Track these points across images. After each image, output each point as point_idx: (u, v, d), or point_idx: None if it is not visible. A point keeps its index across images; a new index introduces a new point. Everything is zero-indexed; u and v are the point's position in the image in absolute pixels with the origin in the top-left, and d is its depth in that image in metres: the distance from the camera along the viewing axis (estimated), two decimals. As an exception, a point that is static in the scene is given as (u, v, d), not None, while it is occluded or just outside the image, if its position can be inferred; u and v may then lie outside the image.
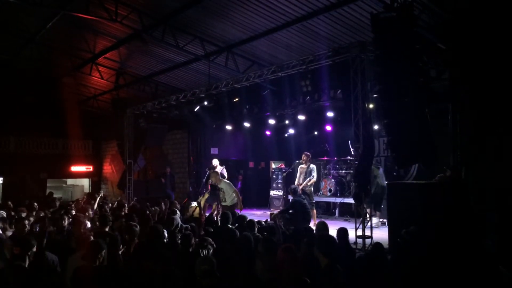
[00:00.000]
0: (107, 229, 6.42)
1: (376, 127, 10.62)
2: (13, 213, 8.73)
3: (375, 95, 8.94)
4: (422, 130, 6.52)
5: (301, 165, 11.01)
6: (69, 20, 10.98)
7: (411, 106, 6.57)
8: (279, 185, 13.88)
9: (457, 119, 8.21)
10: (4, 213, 8.13)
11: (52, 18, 11.05)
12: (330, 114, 11.70)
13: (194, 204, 9.85)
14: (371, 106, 8.64)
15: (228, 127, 14.29)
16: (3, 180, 18.66)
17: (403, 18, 6.56)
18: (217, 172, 10.53)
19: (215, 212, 9.72)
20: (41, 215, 8.15)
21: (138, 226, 5.97)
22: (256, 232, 6.31)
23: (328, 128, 13.02)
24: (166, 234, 6.11)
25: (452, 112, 8.32)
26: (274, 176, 14.28)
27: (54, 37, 12.64)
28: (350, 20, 8.69)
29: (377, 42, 6.92)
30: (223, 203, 10.00)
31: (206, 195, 10.26)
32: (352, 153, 10.34)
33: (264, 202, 14.57)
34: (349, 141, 11.22)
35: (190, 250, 5.27)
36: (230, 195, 9.78)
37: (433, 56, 8.57)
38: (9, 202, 10.93)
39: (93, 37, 12.36)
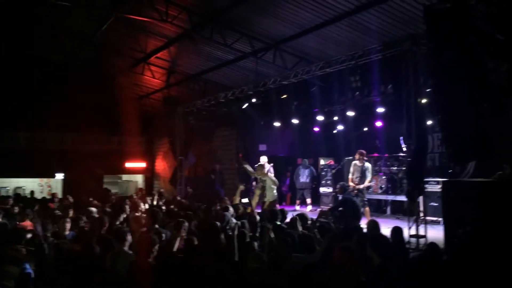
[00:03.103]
0: (156, 226, 6.65)
1: (429, 122, 10.27)
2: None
3: (428, 90, 8.63)
4: (479, 125, 6.24)
5: (355, 162, 10.82)
6: (122, 21, 11.38)
7: (467, 100, 6.31)
8: (328, 182, 13.74)
9: (517, 113, 7.77)
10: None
11: (107, 20, 11.50)
12: (380, 109, 11.42)
13: (245, 200, 10.07)
14: (424, 101, 8.36)
15: (276, 124, 14.29)
16: (64, 176, 19.66)
17: (458, 9, 6.30)
18: (262, 166, 10.75)
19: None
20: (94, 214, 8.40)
21: (186, 222, 6.13)
22: (302, 229, 6.28)
23: (379, 124, 12.69)
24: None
25: (513, 105, 7.88)
26: (323, 173, 14.16)
27: (108, 38, 13.13)
28: (401, 13, 8.42)
29: (430, 35, 6.70)
30: (264, 199, 10.22)
31: (241, 187, 10.59)
32: (404, 149, 10.06)
33: (313, 199, 14.47)
34: (401, 137, 10.92)
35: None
36: (271, 190, 10.06)
37: (491, 47, 8.15)
38: (69, 196, 11.54)
39: (145, 38, 12.74)
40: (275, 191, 10.68)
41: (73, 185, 18.19)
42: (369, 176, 10.50)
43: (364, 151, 10.83)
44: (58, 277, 4.23)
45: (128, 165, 21.27)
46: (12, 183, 19.63)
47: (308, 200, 14.09)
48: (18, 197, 12.48)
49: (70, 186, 18.30)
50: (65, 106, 17.86)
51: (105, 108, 18.34)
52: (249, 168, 11.38)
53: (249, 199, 10.39)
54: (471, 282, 4.33)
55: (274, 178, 10.82)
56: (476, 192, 7.00)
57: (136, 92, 18.57)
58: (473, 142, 6.30)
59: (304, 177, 14.20)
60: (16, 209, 8.78)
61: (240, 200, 10.72)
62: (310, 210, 13.34)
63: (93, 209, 8.53)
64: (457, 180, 9.59)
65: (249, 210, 9.15)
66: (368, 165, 10.64)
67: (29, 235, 5.69)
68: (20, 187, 19.35)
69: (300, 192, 14.36)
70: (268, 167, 11.97)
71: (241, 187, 10.82)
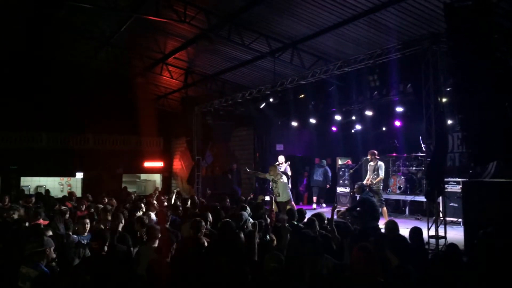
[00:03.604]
0: (167, 225, 6.69)
1: (449, 121, 10.11)
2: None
3: (448, 89, 8.50)
4: (501, 125, 6.12)
5: (370, 163, 10.80)
6: (141, 23, 11.50)
7: (489, 100, 6.19)
8: (346, 181, 13.64)
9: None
10: None
11: (126, 22, 11.63)
12: (399, 109, 11.32)
13: (267, 198, 10.10)
14: (444, 100, 8.23)
15: (294, 124, 14.26)
16: (84, 175, 19.99)
17: (479, 6, 6.19)
18: (275, 166, 10.76)
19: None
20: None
21: (203, 222, 6.14)
22: (319, 229, 6.25)
23: (397, 123, 12.56)
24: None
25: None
26: (340, 173, 14.06)
27: (127, 40, 13.30)
28: (421, 11, 8.31)
29: (451, 33, 6.59)
30: (278, 199, 10.18)
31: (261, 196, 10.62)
32: (423, 149, 9.94)
33: (330, 199, 14.39)
34: (420, 137, 10.78)
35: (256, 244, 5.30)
36: (285, 191, 10.02)
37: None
38: (89, 195, 11.72)
39: (163, 38, 12.86)
40: (289, 190, 10.65)
41: (92, 184, 18.52)
42: (381, 173, 10.44)
43: (375, 151, 10.80)
44: (80, 276, 4.29)
45: (146, 164, 21.50)
46: (33, 182, 20.06)
47: (320, 200, 14.39)
48: (39, 195, 12.72)
49: (89, 185, 18.63)
50: (85, 106, 18.19)
51: (124, 108, 18.60)
52: (259, 173, 11.52)
53: (270, 198, 10.41)
54: (492, 284, 4.25)
55: (284, 177, 10.78)
56: (497, 192, 6.88)
57: (154, 92, 18.76)
58: (495, 142, 6.18)
59: (317, 175, 14.50)
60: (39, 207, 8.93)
61: (263, 199, 10.76)
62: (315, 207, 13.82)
63: (101, 206, 8.66)
64: (477, 180, 9.44)
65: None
66: (380, 163, 10.60)
67: (49, 233, 5.76)
68: (40, 186, 19.77)
69: (314, 189, 14.60)
70: (285, 166, 11.96)
71: (261, 197, 10.89)
